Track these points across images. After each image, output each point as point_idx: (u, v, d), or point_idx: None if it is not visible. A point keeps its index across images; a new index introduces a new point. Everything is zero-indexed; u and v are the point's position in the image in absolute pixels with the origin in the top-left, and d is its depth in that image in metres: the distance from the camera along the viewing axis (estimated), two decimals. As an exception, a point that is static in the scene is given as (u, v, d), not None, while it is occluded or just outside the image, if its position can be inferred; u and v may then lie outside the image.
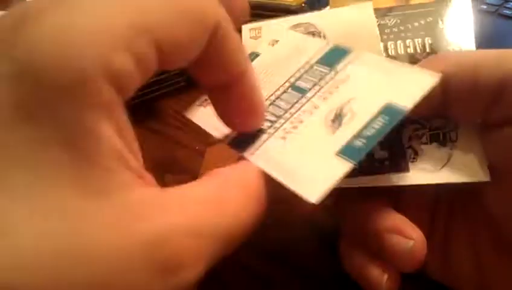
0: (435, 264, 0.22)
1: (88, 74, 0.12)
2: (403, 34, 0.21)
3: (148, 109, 0.40)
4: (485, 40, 0.46)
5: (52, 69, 0.11)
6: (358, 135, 0.18)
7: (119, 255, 0.11)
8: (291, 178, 0.17)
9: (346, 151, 0.17)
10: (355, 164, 0.17)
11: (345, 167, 0.17)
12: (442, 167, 0.20)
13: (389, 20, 0.21)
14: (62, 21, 0.12)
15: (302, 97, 0.20)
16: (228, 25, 0.15)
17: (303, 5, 0.47)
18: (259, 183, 0.16)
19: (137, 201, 0.12)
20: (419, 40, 0.21)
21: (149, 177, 0.14)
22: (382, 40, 0.22)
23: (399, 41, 0.22)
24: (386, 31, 0.21)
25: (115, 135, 0.13)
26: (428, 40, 0.21)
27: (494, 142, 0.20)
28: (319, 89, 0.20)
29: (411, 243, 0.19)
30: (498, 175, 0.20)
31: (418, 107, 0.18)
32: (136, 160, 0.14)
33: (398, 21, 0.21)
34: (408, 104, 0.17)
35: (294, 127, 0.19)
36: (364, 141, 0.17)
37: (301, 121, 0.19)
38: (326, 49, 0.21)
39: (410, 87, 0.18)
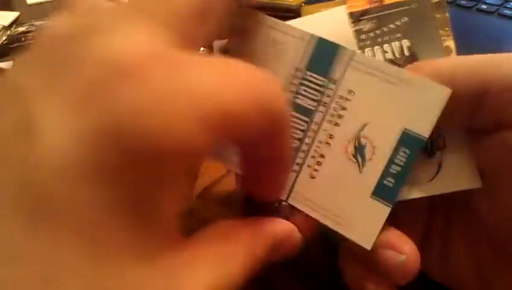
0: (435, 269, 0.22)
1: (195, 153, 0.12)
2: (379, 39, 0.21)
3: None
4: (485, 40, 0.45)
5: (140, 138, 0.12)
6: (385, 174, 0.18)
7: None
8: (337, 223, 0.19)
9: (379, 193, 0.18)
10: (392, 206, 0.18)
11: (384, 210, 0.18)
12: (433, 177, 0.20)
13: (364, 25, 0.20)
14: (162, 89, 0.12)
15: (311, 122, 0.19)
16: (286, 116, 0.16)
17: (303, 5, 0.48)
18: (266, 246, 0.17)
19: (176, 267, 0.14)
20: (397, 43, 0.21)
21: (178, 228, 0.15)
22: (359, 47, 0.21)
23: (376, 47, 0.21)
24: (361, 37, 0.21)
25: (175, 209, 0.14)
26: (406, 43, 0.21)
27: (482, 148, 0.19)
28: (326, 110, 0.19)
29: (403, 257, 0.19)
30: (488, 181, 0.19)
31: None
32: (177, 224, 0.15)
33: (373, 25, 0.20)
34: (425, 131, 0.18)
35: (318, 163, 0.19)
36: (393, 181, 0.18)
37: (322, 156, 0.19)
38: (312, 46, 0.19)
39: (423, 107, 0.18)
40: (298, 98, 0.20)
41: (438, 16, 0.20)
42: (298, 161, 0.20)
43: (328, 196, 0.19)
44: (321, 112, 0.19)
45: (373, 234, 0.18)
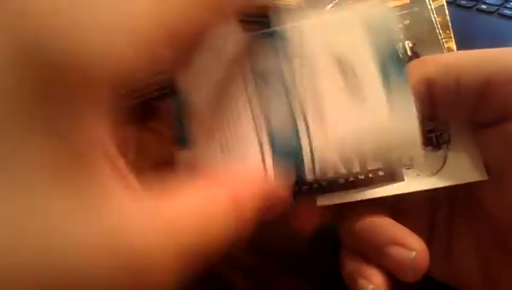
0: (440, 268, 0.22)
1: (96, 76, 0.11)
2: None
3: (148, 109, 0.40)
4: (485, 40, 0.46)
5: (60, 65, 0.11)
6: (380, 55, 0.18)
7: (89, 262, 0.11)
8: (380, 134, 0.18)
9: (387, 75, 0.18)
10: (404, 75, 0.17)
11: (402, 81, 0.18)
12: (439, 170, 0.20)
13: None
14: (81, 12, 0.11)
15: (288, 85, 0.19)
16: None
17: (302, 5, 0.48)
18: (252, 205, 0.16)
19: (117, 213, 0.12)
20: (400, 44, 0.21)
21: (132, 177, 0.14)
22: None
23: None
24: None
25: (107, 135, 0.12)
26: (408, 44, 0.21)
27: (487, 141, 0.20)
28: (291, 68, 0.19)
29: (413, 254, 0.19)
30: (494, 173, 0.20)
31: None
32: (121, 159, 0.13)
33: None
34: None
35: (318, 102, 0.19)
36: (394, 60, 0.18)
37: (318, 95, 0.19)
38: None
39: (372, 9, 0.18)
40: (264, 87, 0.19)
41: (439, 19, 0.21)
42: (298, 114, 0.19)
43: (346, 120, 0.18)
44: (290, 73, 0.19)
45: (413, 113, 0.18)
